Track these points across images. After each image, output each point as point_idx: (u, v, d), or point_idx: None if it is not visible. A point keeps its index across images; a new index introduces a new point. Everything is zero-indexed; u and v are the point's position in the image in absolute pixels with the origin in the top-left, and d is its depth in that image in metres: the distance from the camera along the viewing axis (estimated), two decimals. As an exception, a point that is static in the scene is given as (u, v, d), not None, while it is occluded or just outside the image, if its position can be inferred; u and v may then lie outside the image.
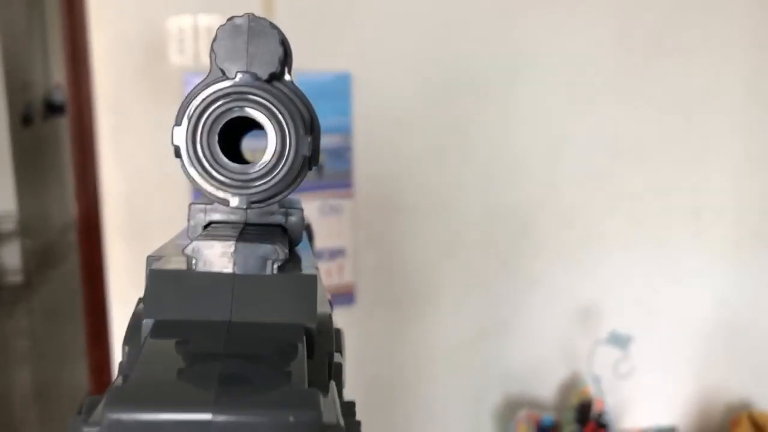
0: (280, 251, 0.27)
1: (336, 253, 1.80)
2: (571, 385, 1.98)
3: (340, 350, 0.32)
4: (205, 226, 0.31)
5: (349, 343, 1.75)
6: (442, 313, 1.90)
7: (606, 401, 1.83)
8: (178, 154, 0.28)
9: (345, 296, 1.83)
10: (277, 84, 0.30)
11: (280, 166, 0.28)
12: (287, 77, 0.31)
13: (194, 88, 0.30)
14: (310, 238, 0.53)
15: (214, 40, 0.29)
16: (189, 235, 0.31)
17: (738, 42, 1.90)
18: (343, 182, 1.77)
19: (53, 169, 4.70)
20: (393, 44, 1.75)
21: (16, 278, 3.94)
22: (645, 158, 1.92)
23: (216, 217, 0.31)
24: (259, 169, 0.28)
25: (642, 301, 1.99)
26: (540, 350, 1.96)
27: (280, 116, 0.28)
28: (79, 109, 1.70)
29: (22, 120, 4.08)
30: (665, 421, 2.04)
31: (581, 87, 1.85)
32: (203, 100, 0.27)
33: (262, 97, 0.28)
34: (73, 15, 1.66)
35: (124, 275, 1.73)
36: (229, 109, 0.28)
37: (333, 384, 0.27)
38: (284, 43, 0.30)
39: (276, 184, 0.28)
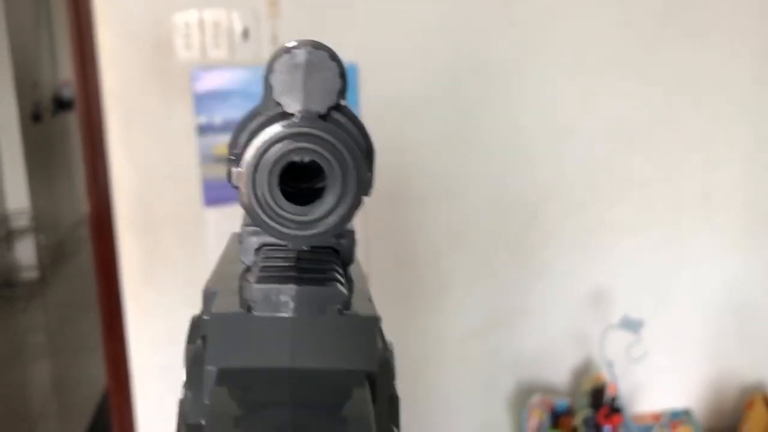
0: (340, 293, 0.27)
1: (346, 244, 1.81)
2: (584, 370, 1.99)
3: (394, 377, 0.32)
4: (257, 249, 0.31)
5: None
6: (452, 302, 1.90)
7: (619, 385, 1.84)
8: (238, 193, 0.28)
9: (356, 286, 1.83)
10: (335, 115, 0.29)
11: (341, 208, 0.28)
12: (343, 103, 0.30)
13: (246, 118, 0.29)
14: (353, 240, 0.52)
15: (270, 72, 0.28)
16: (242, 257, 0.31)
17: (746, 23, 1.89)
18: (351, 173, 1.77)
19: (64, 164, 4.73)
20: (398, 35, 1.74)
21: (31, 274, 3.98)
22: (653, 143, 1.91)
23: (268, 239, 0.30)
24: (321, 213, 0.27)
25: (653, 286, 1.98)
26: (552, 336, 1.97)
27: (341, 158, 0.27)
28: (87, 106, 1.71)
29: (32, 117, 4.10)
30: (679, 404, 2.04)
31: (588, 73, 1.84)
32: (264, 143, 0.27)
33: (324, 140, 0.27)
34: (79, 12, 1.67)
35: (136, 269, 1.75)
36: (292, 151, 0.27)
37: (396, 430, 0.27)
38: (343, 74, 0.29)
39: (335, 226, 0.28)
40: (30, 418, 2.62)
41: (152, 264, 1.75)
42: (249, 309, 0.26)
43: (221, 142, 1.71)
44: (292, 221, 0.27)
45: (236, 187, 0.27)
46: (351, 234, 0.32)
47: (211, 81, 1.68)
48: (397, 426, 0.29)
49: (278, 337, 0.26)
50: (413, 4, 1.73)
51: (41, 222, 4.02)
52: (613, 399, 1.83)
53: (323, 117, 0.28)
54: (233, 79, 1.69)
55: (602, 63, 1.84)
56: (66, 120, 4.68)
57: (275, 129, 0.27)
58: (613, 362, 1.79)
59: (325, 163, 0.27)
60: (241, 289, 0.27)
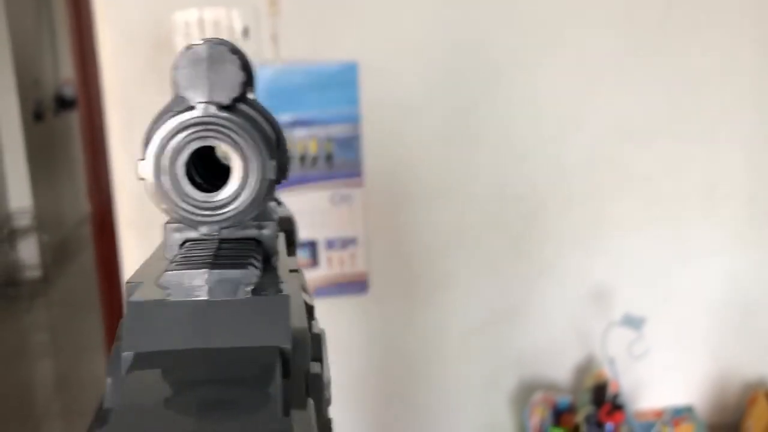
0: (252, 274, 0.28)
1: (348, 242, 1.81)
2: (586, 367, 1.99)
3: (319, 358, 0.33)
4: (182, 244, 0.32)
5: (362, 330, 1.78)
6: (454, 298, 1.91)
7: (621, 382, 1.84)
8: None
9: (358, 284, 1.84)
10: (240, 107, 0.30)
11: (245, 192, 0.29)
12: (250, 96, 0.31)
13: (157, 116, 0.30)
14: (293, 234, 0.53)
15: (174, 68, 0.29)
16: (165, 254, 0.32)
17: (747, 18, 1.88)
18: (352, 171, 1.78)
19: (66, 163, 4.73)
20: (399, 33, 1.74)
21: (33, 273, 3.99)
22: (655, 138, 1.90)
23: (191, 234, 0.31)
24: (226, 197, 0.29)
25: (655, 282, 1.98)
26: (553, 333, 1.97)
27: (242, 144, 0.29)
28: (88, 105, 1.72)
29: (34, 116, 4.11)
30: (681, 400, 2.04)
31: (589, 69, 1.84)
32: (166, 134, 0.28)
33: (224, 127, 0.28)
34: (80, 11, 1.67)
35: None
36: (192, 140, 0.28)
37: (311, 401, 0.28)
38: (246, 67, 0.30)
39: (243, 210, 0.29)
40: (34, 417, 2.63)
41: (154, 263, 1.75)
42: (164, 296, 0.27)
43: (222, 140, 1.71)
44: (196, 206, 0.29)
45: (142, 179, 0.29)
46: (273, 225, 0.32)
47: (212, 80, 1.68)
48: (319, 400, 0.30)
49: (193, 319, 0.27)
50: (413, 1, 1.73)
51: (44, 221, 4.03)
52: (615, 396, 1.83)
53: (228, 108, 0.29)
54: (234, 77, 1.69)
55: (604, 58, 1.84)
56: (68, 119, 4.69)
57: (177, 119, 0.28)
58: (615, 359, 1.79)
59: (228, 150, 0.29)
60: (157, 281, 0.28)
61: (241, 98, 0.30)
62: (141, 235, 1.74)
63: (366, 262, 1.83)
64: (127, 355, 0.27)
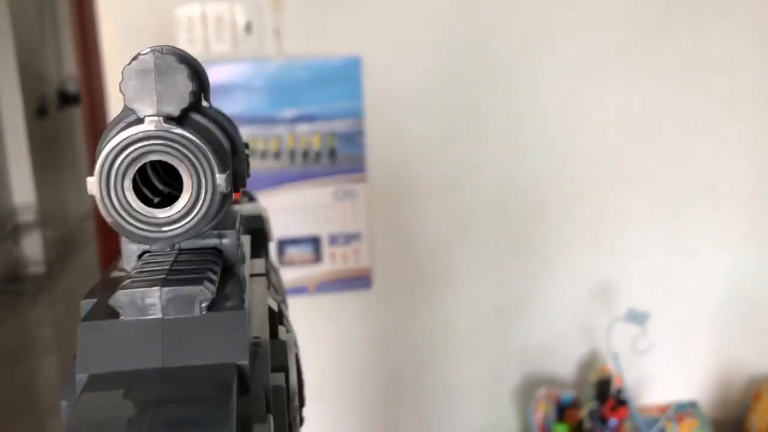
0: (207, 290, 0.27)
1: (351, 238, 1.81)
2: (590, 362, 1.98)
3: (284, 367, 0.32)
4: (140, 255, 0.31)
5: (365, 326, 1.78)
6: (458, 293, 1.90)
7: (625, 378, 1.83)
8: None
9: (361, 280, 1.84)
10: (192, 116, 0.29)
11: (198, 207, 0.28)
12: (204, 104, 0.30)
13: (107, 129, 0.29)
14: (263, 232, 0.52)
15: (122, 80, 0.28)
16: (124, 265, 0.31)
17: (751, 12, 1.87)
18: (356, 167, 1.77)
19: (70, 159, 4.73)
20: (402, 28, 1.73)
21: (38, 269, 3.99)
22: (659, 133, 1.90)
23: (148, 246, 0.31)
24: (177, 212, 0.28)
25: (659, 277, 1.98)
26: (557, 328, 1.96)
27: (192, 158, 0.27)
28: (92, 100, 1.71)
29: (38, 111, 4.11)
30: (685, 396, 2.04)
31: (593, 64, 1.83)
32: (112, 149, 0.27)
33: (172, 140, 0.27)
34: (82, 7, 1.67)
35: (143, 264, 1.75)
36: (138, 156, 0.27)
37: (270, 418, 0.27)
38: (196, 75, 0.29)
39: (195, 225, 0.28)
40: (38, 413, 2.63)
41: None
42: (117, 315, 0.27)
43: (225, 136, 1.71)
44: (145, 223, 0.28)
45: (92, 195, 0.28)
46: (233, 234, 0.32)
47: (215, 75, 1.68)
48: (282, 414, 0.30)
49: (147, 339, 0.26)
50: (416, -4, 1.72)
51: (47, 217, 4.04)
52: (619, 391, 1.83)
53: (178, 119, 0.28)
54: (236, 73, 1.68)
55: (608, 54, 1.83)
56: (72, 114, 4.69)
57: (123, 135, 0.27)
58: (619, 354, 1.79)
59: (177, 165, 0.27)
60: (108, 301, 0.27)
61: (193, 107, 0.29)
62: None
63: (369, 257, 1.83)
64: (81, 377, 0.26)
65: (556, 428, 1.82)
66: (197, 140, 0.27)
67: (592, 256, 1.94)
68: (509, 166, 1.85)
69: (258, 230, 0.50)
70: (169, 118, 0.28)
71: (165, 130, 0.27)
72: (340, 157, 1.76)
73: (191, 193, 0.28)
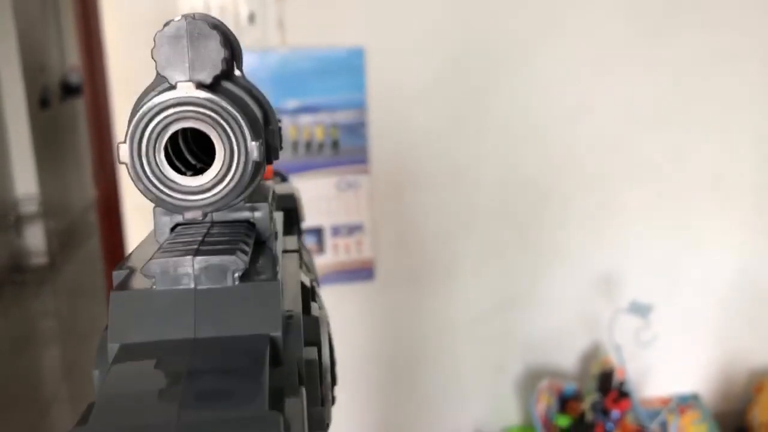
0: (240, 260, 0.27)
1: (354, 229, 1.81)
2: (593, 354, 1.98)
3: (317, 342, 0.32)
4: (173, 228, 0.31)
5: (368, 318, 1.78)
6: (461, 284, 1.90)
7: (627, 370, 1.84)
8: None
9: (364, 271, 1.84)
10: (224, 84, 0.29)
11: (230, 175, 0.27)
12: (237, 73, 0.30)
13: (140, 97, 0.29)
14: (295, 211, 0.52)
15: (154, 46, 0.28)
16: (156, 238, 0.31)
17: (758, 4, 1.86)
18: (359, 158, 1.77)
19: (73, 150, 4.74)
20: (406, 18, 1.73)
21: (40, 260, 4.00)
22: (664, 124, 1.89)
23: (181, 218, 0.30)
24: (209, 181, 0.27)
25: (663, 269, 1.98)
26: (561, 320, 1.96)
27: (225, 125, 0.27)
28: (94, 91, 1.71)
29: (40, 103, 4.11)
30: (687, 388, 2.04)
31: (598, 53, 1.82)
32: (143, 115, 0.27)
33: (205, 107, 0.27)
34: (85, -3, 1.67)
35: (146, 255, 1.75)
36: (171, 123, 0.27)
37: (303, 390, 0.27)
38: (228, 42, 0.29)
39: (228, 193, 0.27)
40: (43, 403, 2.64)
41: (160, 249, 1.75)
42: (149, 285, 0.26)
43: (228, 127, 1.70)
44: (177, 191, 0.27)
45: (123, 163, 0.27)
46: (266, 207, 0.31)
47: (218, 66, 1.67)
48: (315, 388, 0.29)
49: (179, 309, 0.26)
50: (420, -14, 1.72)
51: (50, 207, 4.04)
52: (622, 383, 1.83)
53: (210, 87, 0.27)
54: (240, 63, 1.68)
55: (613, 46, 1.82)
56: (74, 106, 4.69)
57: (155, 101, 0.27)
58: (622, 346, 1.79)
59: (210, 132, 0.27)
60: (141, 270, 0.27)
61: (225, 75, 0.29)
62: (147, 220, 1.73)
63: (372, 248, 1.83)
64: (112, 346, 0.26)
65: (558, 420, 1.82)
66: (230, 107, 0.27)
67: (595, 248, 1.93)
68: (513, 157, 1.85)
69: (290, 209, 0.50)
70: (201, 85, 0.27)
71: (197, 97, 0.27)
72: (343, 149, 1.76)
73: (224, 161, 0.27)
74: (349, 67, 1.72)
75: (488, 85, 1.80)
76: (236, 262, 0.27)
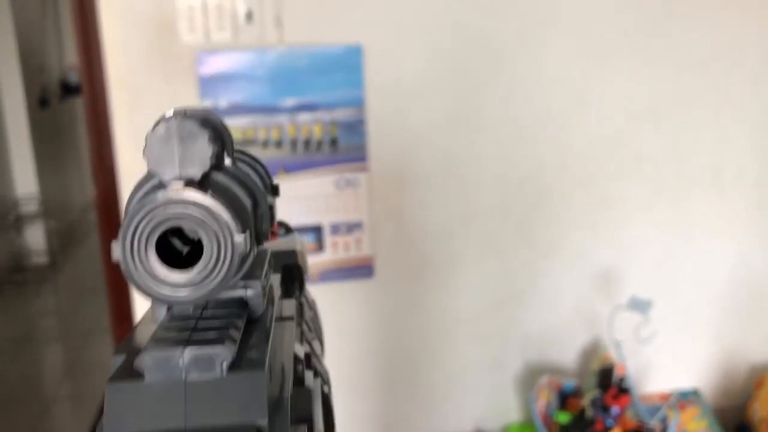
0: (228, 350, 0.28)
1: (353, 227, 1.81)
2: (592, 350, 1.99)
3: (308, 418, 0.33)
4: (169, 308, 0.32)
5: (368, 315, 1.77)
6: (460, 281, 1.90)
7: (627, 366, 1.84)
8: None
9: (364, 269, 1.84)
10: (214, 176, 0.30)
11: (217, 269, 0.28)
12: (227, 161, 0.31)
13: (132, 191, 0.31)
14: (296, 269, 0.52)
15: (145, 146, 0.29)
16: (154, 316, 0.32)
17: (754, 0, 1.86)
18: (357, 156, 1.77)
19: (71, 149, 4.74)
20: (403, 15, 1.73)
21: (41, 259, 4.00)
22: (662, 120, 1.89)
23: None
24: (197, 275, 0.28)
25: (662, 265, 1.98)
26: (560, 316, 1.96)
27: (211, 224, 0.28)
28: (93, 91, 1.71)
29: (40, 102, 4.11)
30: (688, 383, 2.04)
31: (596, 51, 1.82)
32: (133, 217, 0.28)
33: (192, 209, 0.28)
34: (83, -4, 1.66)
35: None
36: (161, 222, 0.28)
37: None
38: (218, 136, 0.30)
39: (216, 286, 0.29)
40: (43, 401, 2.65)
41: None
42: (141, 376, 0.28)
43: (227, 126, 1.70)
44: (168, 285, 0.29)
45: (116, 261, 0.29)
46: (258, 285, 0.32)
47: (216, 64, 1.67)
48: None
49: (171, 400, 0.27)
50: (418, -17, 1.72)
51: (50, 207, 4.04)
52: (621, 380, 1.83)
53: (200, 182, 0.29)
54: (238, 62, 1.68)
55: (611, 41, 1.82)
56: (73, 105, 4.69)
57: (145, 202, 0.28)
58: (622, 343, 1.79)
59: (195, 229, 0.28)
60: (134, 363, 0.28)
61: (215, 167, 0.30)
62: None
63: (371, 246, 1.83)
64: None
65: (558, 416, 1.83)
66: (216, 206, 0.28)
67: (594, 244, 1.93)
68: (511, 154, 1.85)
69: (291, 267, 0.51)
70: (190, 182, 0.29)
71: (184, 200, 0.28)
72: (342, 146, 1.76)
73: (211, 256, 0.28)
74: (347, 64, 1.72)
75: (486, 82, 1.80)
76: (224, 353, 0.28)
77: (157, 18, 1.64)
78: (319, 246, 1.81)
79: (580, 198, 1.90)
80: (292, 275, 0.50)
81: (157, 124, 0.29)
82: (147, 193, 0.29)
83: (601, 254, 1.94)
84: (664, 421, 1.82)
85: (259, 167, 0.40)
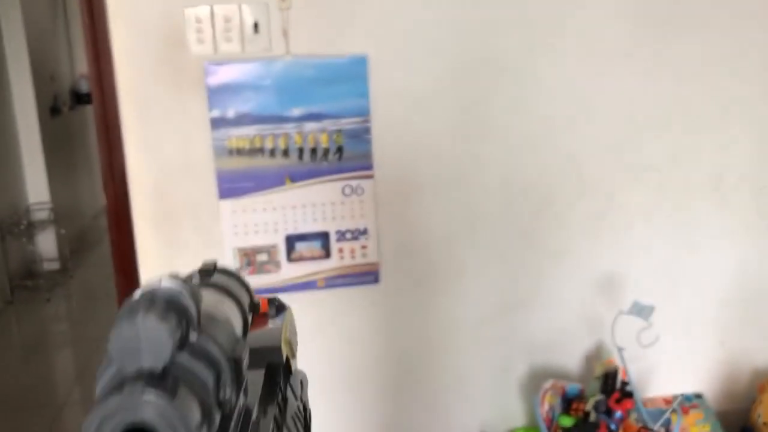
0: None
1: (359, 234, 1.83)
2: (596, 355, 2.00)
3: None
4: None
5: (373, 320, 1.80)
6: (465, 287, 1.93)
7: (631, 371, 1.85)
8: None
9: (370, 275, 1.86)
10: (177, 360, 0.31)
11: None
12: (191, 338, 0.33)
13: (98, 371, 0.32)
14: (280, 367, 0.51)
15: (108, 342, 0.31)
16: None
17: (759, 8, 1.88)
18: (363, 164, 1.80)
19: (83, 157, 4.79)
20: (408, 25, 1.75)
21: (52, 265, 4.05)
22: (665, 127, 1.91)
23: None
24: None
25: (665, 270, 1.99)
26: (564, 321, 1.98)
27: (170, 423, 0.29)
28: (103, 100, 1.75)
29: (51, 111, 4.16)
30: (691, 388, 2.05)
31: (599, 58, 1.84)
32: (95, 418, 0.29)
33: (152, 407, 0.29)
34: (92, 8, 1.70)
35: (154, 259, 1.79)
36: (121, 423, 0.29)
37: None
38: (182, 320, 0.31)
39: None
40: (55, 406, 2.68)
41: (169, 253, 1.79)
42: None
43: (234, 135, 1.74)
44: None
45: None
46: None
47: (224, 75, 1.71)
48: None
49: None
50: (421, -6, 1.74)
51: (61, 214, 4.09)
52: (625, 384, 1.84)
53: (161, 374, 0.30)
54: (245, 72, 1.71)
55: (613, 50, 1.84)
56: (84, 112, 4.74)
57: (107, 401, 0.29)
58: (625, 347, 1.80)
59: (154, 425, 0.29)
60: None
61: (180, 346, 0.31)
62: (156, 227, 1.77)
63: (377, 252, 1.85)
64: None
65: (562, 420, 1.84)
66: (170, 408, 0.29)
67: (598, 250, 1.95)
68: (515, 161, 1.87)
69: (275, 366, 0.50)
70: (151, 376, 0.30)
71: (142, 401, 0.29)
72: (348, 155, 1.79)
73: None
74: (353, 74, 1.75)
75: (490, 90, 1.82)
76: None
77: (166, 29, 1.68)
78: (326, 253, 1.83)
79: (583, 205, 1.92)
80: (275, 377, 0.49)
81: (119, 320, 0.31)
82: (110, 390, 0.30)
83: (605, 260, 1.96)
84: (667, 425, 1.83)
85: (242, 294, 0.41)
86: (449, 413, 2.01)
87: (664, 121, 1.90)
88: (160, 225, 1.77)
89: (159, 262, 1.78)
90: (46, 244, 4.04)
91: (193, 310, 0.33)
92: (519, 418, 2.03)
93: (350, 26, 1.74)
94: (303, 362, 1.87)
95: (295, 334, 0.58)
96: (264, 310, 0.54)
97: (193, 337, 0.33)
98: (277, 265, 1.82)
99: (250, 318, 0.43)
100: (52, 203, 4.03)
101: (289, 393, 0.50)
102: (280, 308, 0.58)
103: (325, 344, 1.90)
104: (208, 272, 0.45)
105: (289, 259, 1.83)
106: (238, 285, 0.45)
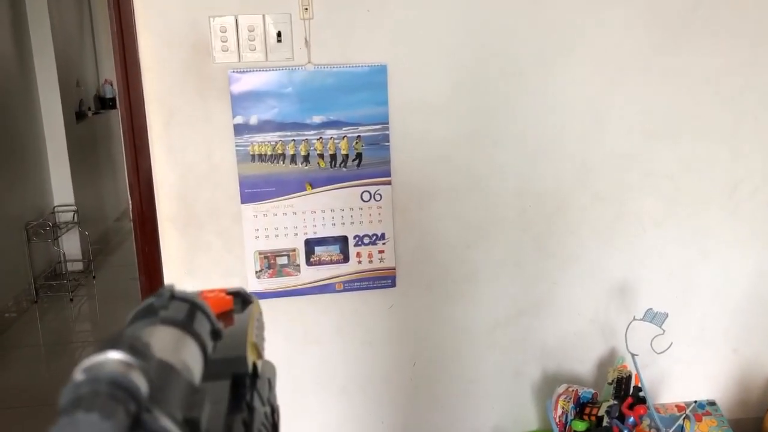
0: None
1: (377, 239, 1.87)
2: (609, 360, 2.02)
3: None
4: None
5: (392, 323, 1.85)
6: (480, 293, 1.95)
7: (644, 376, 1.87)
8: None
9: (386, 279, 1.90)
10: None
11: None
12: (144, 417, 0.31)
13: None
14: (243, 385, 0.48)
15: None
16: None
17: (773, 18, 1.89)
18: (381, 170, 1.84)
19: (106, 160, 4.88)
20: (427, 35, 1.79)
21: (76, 266, 4.14)
22: (679, 135, 1.93)
23: None
24: None
25: (678, 277, 2.00)
26: (577, 327, 2.00)
27: None
28: (130, 107, 1.80)
29: (76, 115, 4.26)
30: (704, 395, 2.06)
31: (613, 67, 1.86)
32: None
33: None
34: (121, 17, 1.75)
35: (178, 262, 1.84)
36: None
37: None
38: (130, 410, 0.30)
39: None
40: (77, 404, 2.74)
41: (192, 257, 1.83)
42: None
43: (257, 141, 1.79)
44: None
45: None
46: None
47: (247, 83, 1.76)
48: None
49: None
50: (440, 6, 1.78)
51: (85, 216, 4.18)
52: (638, 389, 1.86)
53: None
54: (268, 80, 1.76)
55: (627, 60, 1.86)
56: (108, 117, 4.83)
57: None
58: (638, 353, 1.82)
59: None
60: None
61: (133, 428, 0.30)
62: (179, 229, 1.83)
63: (394, 257, 1.89)
64: None
65: (575, 425, 1.86)
66: None
67: (611, 257, 1.97)
68: (530, 169, 1.90)
69: (240, 376, 0.47)
70: None
71: None
72: (366, 161, 1.83)
73: None
74: (373, 83, 1.79)
75: (506, 98, 1.85)
76: None
77: (192, 39, 1.73)
78: (344, 257, 1.88)
79: (597, 212, 1.94)
80: (240, 390, 0.46)
81: (66, 394, 0.31)
82: None
83: (618, 267, 1.98)
84: None
85: (202, 324, 0.41)
86: (463, 416, 2.03)
87: (677, 129, 1.92)
88: (184, 228, 1.82)
89: (182, 264, 1.83)
90: (70, 245, 4.12)
91: (144, 388, 0.31)
92: (532, 422, 2.05)
93: (370, 36, 1.78)
94: (321, 362, 1.95)
95: (262, 329, 0.54)
96: (229, 307, 0.52)
97: (145, 416, 0.31)
98: (297, 268, 1.87)
99: (210, 348, 0.42)
100: (76, 205, 4.12)
101: (256, 400, 0.48)
102: (245, 302, 0.55)
103: (343, 346, 1.94)
104: (163, 303, 0.42)
105: (309, 262, 1.87)
106: (197, 313, 0.43)
